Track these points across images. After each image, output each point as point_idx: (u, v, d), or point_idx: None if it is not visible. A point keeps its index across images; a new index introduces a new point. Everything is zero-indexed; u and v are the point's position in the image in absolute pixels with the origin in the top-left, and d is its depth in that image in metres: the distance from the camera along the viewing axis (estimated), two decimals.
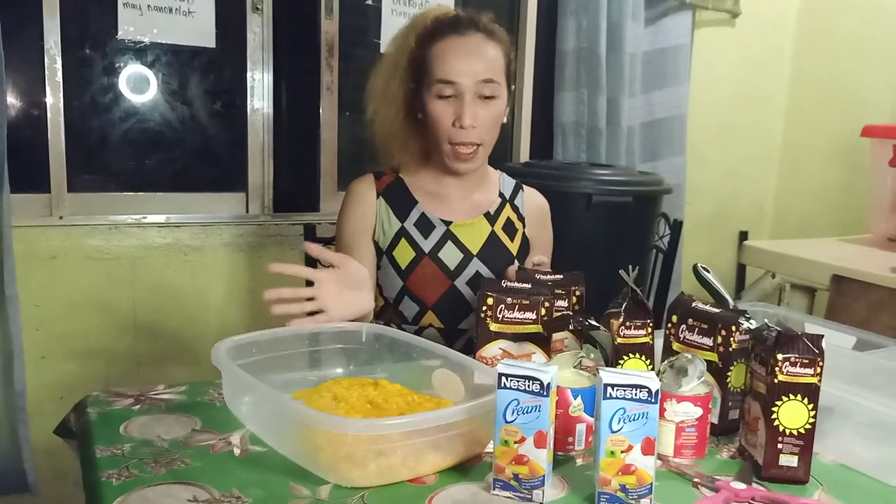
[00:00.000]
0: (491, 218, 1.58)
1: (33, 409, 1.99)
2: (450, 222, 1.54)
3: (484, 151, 1.50)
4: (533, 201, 1.66)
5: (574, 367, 1.12)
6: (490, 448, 0.98)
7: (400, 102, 1.51)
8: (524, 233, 1.62)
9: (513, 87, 1.55)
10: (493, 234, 1.57)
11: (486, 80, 1.44)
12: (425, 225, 1.54)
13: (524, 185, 1.67)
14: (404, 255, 1.52)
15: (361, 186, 1.57)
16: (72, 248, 2.14)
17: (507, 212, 1.61)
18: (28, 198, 2.13)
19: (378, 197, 1.55)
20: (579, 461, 1.04)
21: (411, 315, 1.52)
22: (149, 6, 2.18)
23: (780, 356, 0.98)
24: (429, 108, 1.46)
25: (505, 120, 1.54)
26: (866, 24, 3.03)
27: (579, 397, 1.05)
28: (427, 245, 1.52)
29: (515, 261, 1.57)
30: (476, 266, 1.53)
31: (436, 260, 1.51)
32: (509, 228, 1.59)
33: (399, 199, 1.55)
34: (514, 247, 1.59)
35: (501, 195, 1.62)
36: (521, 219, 1.62)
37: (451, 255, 1.52)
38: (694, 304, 1.18)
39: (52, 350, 2.14)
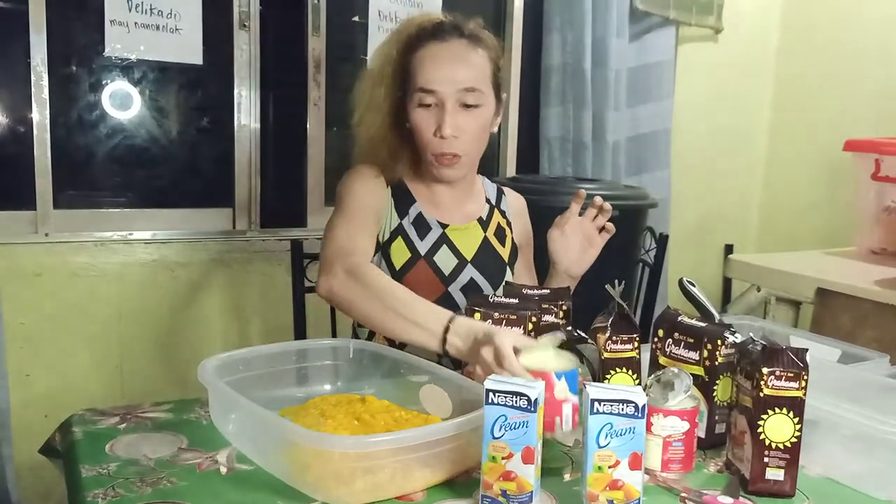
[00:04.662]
0: (483, 224, 1.57)
1: (17, 428, 1.97)
2: (446, 225, 1.52)
3: (468, 161, 1.47)
4: (515, 202, 1.67)
5: (555, 350, 1.11)
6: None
7: (386, 111, 1.47)
8: (512, 238, 1.62)
9: (504, 94, 1.52)
10: (485, 240, 1.56)
11: (469, 88, 1.40)
12: (422, 225, 1.51)
13: (503, 188, 1.68)
14: (400, 254, 1.48)
15: (373, 170, 1.51)
16: (57, 264, 2.12)
17: (497, 217, 1.61)
18: (13, 215, 2.12)
19: (388, 187, 1.51)
20: (567, 476, 1.04)
21: None
22: (136, 23, 2.18)
23: (765, 370, 0.99)
24: (411, 118, 1.43)
25: (494, 129, 1.51)
26: (848, 38, 3.07)
27: (563, 378, 1.05)
28: (423, 247, 1.49)
29: (507, 268, 1.57)
30: (470, 273, 1.51)
31: (431, 264, 1.49)
32: (500, 234, 1.60)
33: (400, 194, 1.52)
34: (505, 253, 1.58)
35: (488, 200, 1.61)
36: (509, 224, 1.63)
37: (445, 260, 1.50)
38: (680, 319, 1.19)
39: (37, 368, 2.12)
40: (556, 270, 1.52)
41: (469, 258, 1.52)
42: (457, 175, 1.48)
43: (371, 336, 1.53)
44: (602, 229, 1.50)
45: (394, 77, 1.45)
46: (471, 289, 1.51)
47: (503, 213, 1.63)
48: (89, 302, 2.17)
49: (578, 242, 1.49)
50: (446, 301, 1.49)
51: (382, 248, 1.49)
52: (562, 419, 1.06)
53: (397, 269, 1.48)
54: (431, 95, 1.40)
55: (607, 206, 1.48)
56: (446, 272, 1.50)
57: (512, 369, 1.05)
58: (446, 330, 1.19)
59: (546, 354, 1.09)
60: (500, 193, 1.65)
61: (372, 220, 1.47)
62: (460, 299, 1.50)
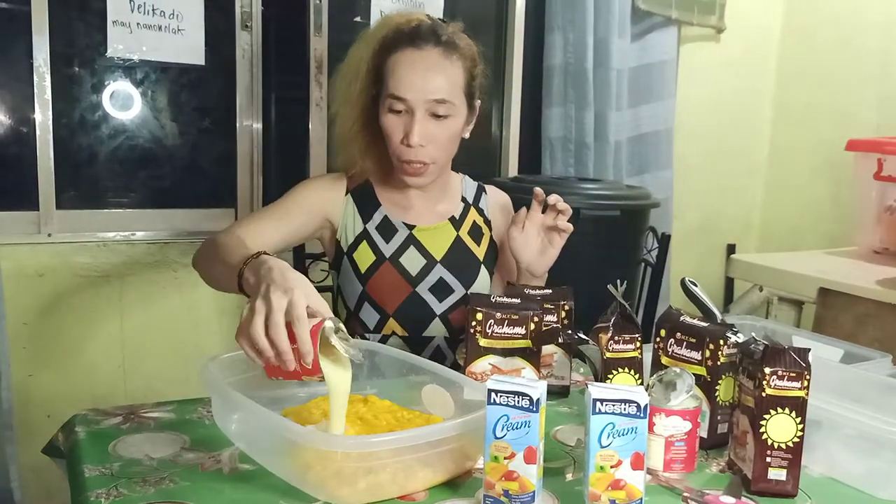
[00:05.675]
0: (456, 223, 1.56)
1: (21, 428, 1.97)
2: (413, 226, 1.53)
3: (435, 168, 1.46)
4: (496, 201, 1.64)
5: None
6: (480, 464, 0.98)
7: (360, 107, 1.46)
8: (491, 236, 1.60)
9: (477, 102, 1.50)
10: (458, 239, 1.55)
11: (439, 100, 1.39)
12: (387, 228, 1.51)
13: (486, 186, 1.65)
14: (364, 258, 1.49)
15: (334, 178, 1.55)
16: (60, 265, 2.13)
17: (473, 215, 1.59)
18: (16, 215, 2.12)
19: (347, 194, 1.53)
20: (569, 476, 1.04)
21: (373, 323, 1.50)
22: (138, 24, 2.18)
23: (767, 370, 0.99)
24: (381, 121, 1.43)
25: (467, 136, 1.50)
26: (850, 39, 3.06)
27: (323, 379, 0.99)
28: (388, 249, 1.50)
29: (482, 266, 1.55)
30: (439, 273, 1.51)
31: (396, 265, 1.49)
32: (475, 233, 1.58)
33: (365, 200, 1.53)
34: (480, 251, 1.56)
35: (464, 199, 1.60)
36: (487, 222, 1.60)
37: (412, 261, 1.50)
38: (682, 318, 1.19)
39: (40, 368, 2.12)
40: (519, 268, 1.51)
41: (438, 258, 1.52)
42: (423, 182, 1.47)
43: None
44: (561, 230, 1.46)
45: (368, 76, 1.45)
46: (441, 289, 1.50)
47: (480, 212, 1.61)
48: (92, 302, 2.17)
49: (539, 241, 1.47)
50: (414, 301, 1.50)
51: (347, 254, 1.50)
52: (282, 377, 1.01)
53: (362, 272, 1.49)
54: (401, 102, 1.39)
55: (563, 205, 1.44)
56: (413, 273, 1.50)
57: (300, 334, 0.94)
58: (245, 264, 1.11)
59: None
60: (479, 192, 1.63)
61: (297, 215, 1.48)
62: (430, 299, 1.50)
